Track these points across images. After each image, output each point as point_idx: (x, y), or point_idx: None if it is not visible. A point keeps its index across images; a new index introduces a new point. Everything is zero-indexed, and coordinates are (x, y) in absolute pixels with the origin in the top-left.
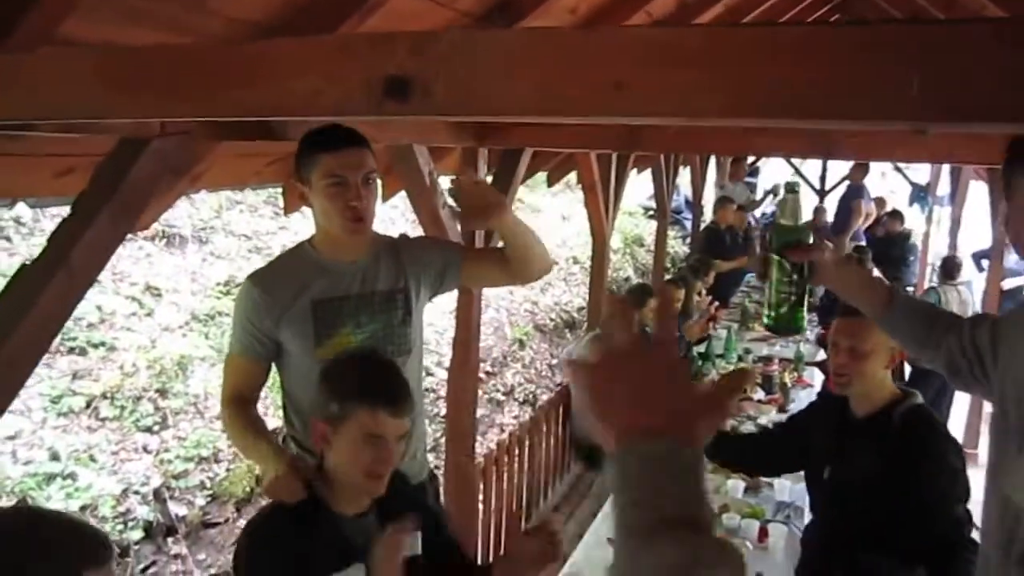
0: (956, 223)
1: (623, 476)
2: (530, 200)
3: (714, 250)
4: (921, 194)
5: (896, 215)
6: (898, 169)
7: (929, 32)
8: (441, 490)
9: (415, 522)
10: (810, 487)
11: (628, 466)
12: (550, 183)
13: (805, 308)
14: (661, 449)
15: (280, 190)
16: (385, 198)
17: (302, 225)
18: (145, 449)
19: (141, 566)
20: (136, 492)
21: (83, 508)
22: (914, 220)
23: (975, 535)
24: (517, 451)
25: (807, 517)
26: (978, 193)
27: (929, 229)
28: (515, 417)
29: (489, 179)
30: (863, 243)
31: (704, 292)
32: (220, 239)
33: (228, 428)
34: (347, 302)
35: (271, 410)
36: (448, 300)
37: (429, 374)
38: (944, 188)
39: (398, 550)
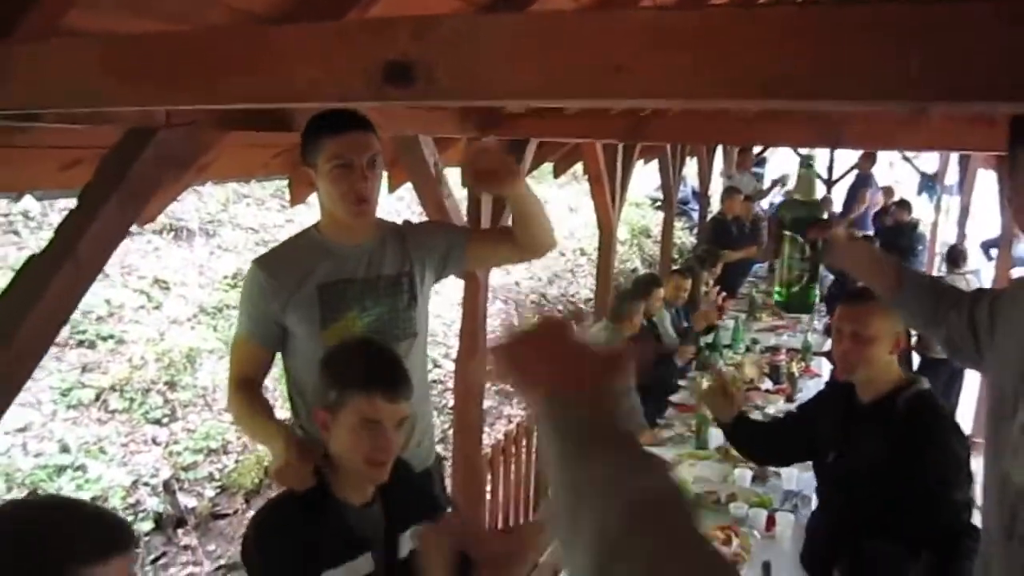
0: (964, 212)
1: (551, 428)
2: (536, 191)
3: (721, 240)
4: (929, 183)
5: (904, 204)
6: (906, 158)
7: (930, 12)
8: (449, 479)
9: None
10: (816, 473)
11: (553, 417)
12: (556, 174)
13: (817, 286)
14: (571, 397)
15: (287, 182)
16: (391, 189)
17: (309, 218)
18: (154, 441)
19: (151, 557)
20: (146, 484)
21: (93, 500)
22: (923, 209)
23: (977, 521)
24: (525, 441)
25: (815, 506)
26: (987, 182)
27: (937, 218)
28: (523, 408)
29: None
30: (870, 232)
31: (711, 283)
32: (227, 232)
33: (235, 412)
34: (352, 285)
35: (279, 402)
36: (455, 291)
37: (437, 366)
38: (953, 177)
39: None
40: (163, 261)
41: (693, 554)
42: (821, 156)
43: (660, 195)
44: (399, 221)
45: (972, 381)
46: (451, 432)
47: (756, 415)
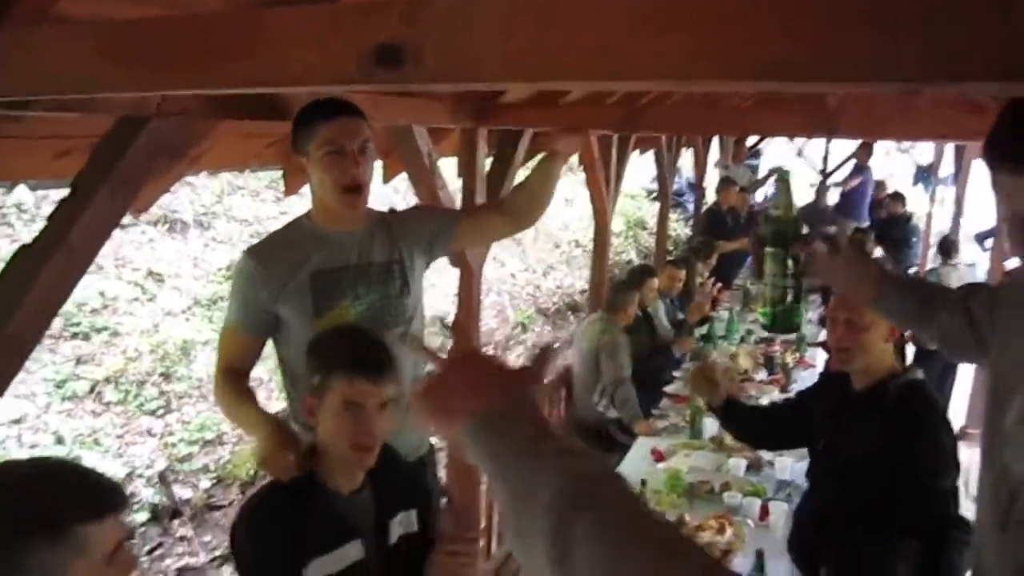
0: (959, 203)
1: (483, 452)
2: None
3: (716, 231)
4: (925, 174)
5: (898, 197)
6: (902, 150)
7: None
8: (442, 469)
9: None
10: (810, 461)
11: (481, 440)
12: None
13: (803, 304)
14: (495, 415)
15: (281, 174)
16: (386, 180)
17: (303, 210)
18: (149, 432)
19: (147, 548)
20: (141, 475)
21: None
22: (918, 200)
23: (967, 513)
24: None
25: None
26: (982, 173)
27: (932, 209)
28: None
29: (489, 161)
30: (866, 224)
31: (706, 274)
32: (222, 224)
33: (221, 400)
34: (346, 273)
35: (275, 393)
36: (450, 283)
37: None
38: (948, 168)
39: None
40: (157, 253)
41: (643, 512)
42: (816, 148)
43: (655, 186)
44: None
45: (966, 373)
46: None
47: (746, 401)
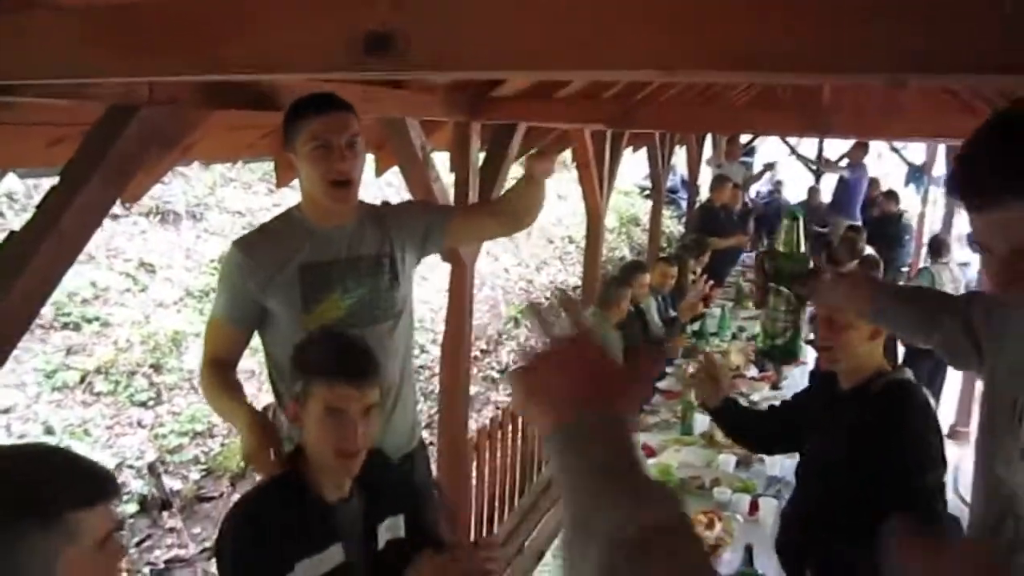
0: (951, 203)
1: (572, 459)
2: None
3: (709, 228)
4: (917, 174)
5: (891, 195)
6: (894, 149)
7: None
8: (434, 463)
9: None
10: (798, 461)
11: (569, 449)
12: None
13: (801, 333)
14: (590, 422)
15: (273, 165)
16: (378, 173)
17: (295, 202)
18: (140, 424)
19: (136, 540)
20: (131, 466)
21: None
22: (910, 200)
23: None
24: (510, 426)
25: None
26: None
27: (925, 209)
28: (509, 395)
29: (482, 155)
30: (859, 223)
31: (699, 271)
32: (214, 216)
33: (205, 392)
34: (335, 266)
35: (265, 385)
36: (442, 277)
37: (424, 351)
38: (940, 168)
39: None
40: (149, 244)
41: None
42: (810, 147)
43: (649, 183)
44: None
45: (956, 372)
46: (437, 417)
47: (742, 403)
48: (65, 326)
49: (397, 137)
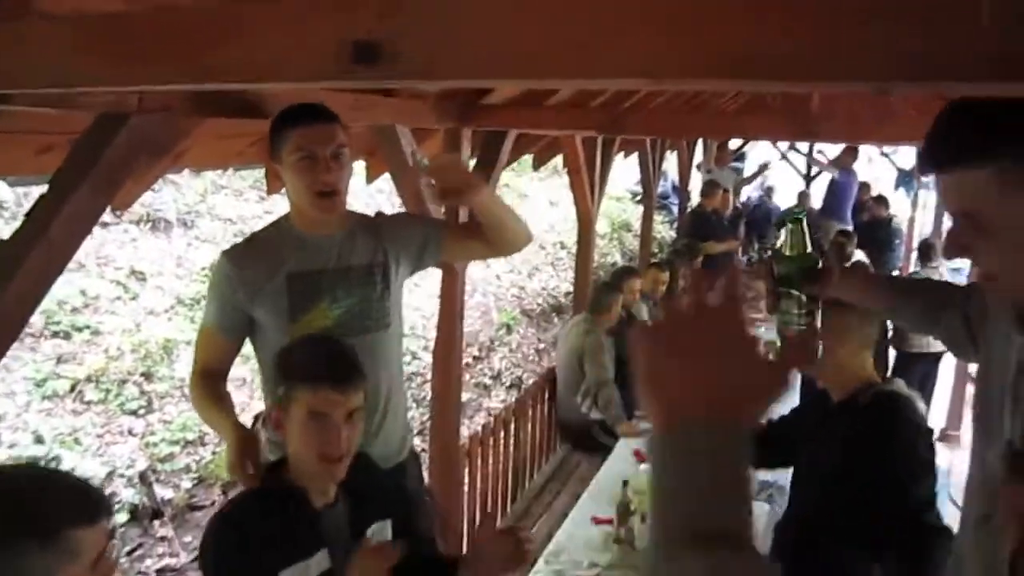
0: (941, 207)
1: (662, 467)
2: (517, 185)
3: (701, 233)
4: (907, 178)
5: (881, 200)
6: (884, 154)
7: None
8: (426, 472)
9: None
10: (792, 474)
11: (668, 457)
12: (535, 166)
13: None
14: (701, 441)
15: (264, 172)
16: (369, 180)
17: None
18: (130, 432)
19: (127, 549)
20: (121, 475)
21: None
22: (900, 204)
23: (950, 523)
24: (502, 432)
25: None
26: None
27: (914, 214)
28: (502, 401)
29: (473, 162)
30: (849, 227)
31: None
32: (205, 223)
33: (194, 401)
34: (324, 276)
35: (257, 392)
36: (434, 283)
37: (415, 358)
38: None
39: (381, 562)
40: (140, 252)
41: None
42: (800, 151)
43: (640, 189)
44: (371, 213)
45: (946, 377)
46: (429, 424)
47: None
48: (55, 334)
49: (388, 144)
